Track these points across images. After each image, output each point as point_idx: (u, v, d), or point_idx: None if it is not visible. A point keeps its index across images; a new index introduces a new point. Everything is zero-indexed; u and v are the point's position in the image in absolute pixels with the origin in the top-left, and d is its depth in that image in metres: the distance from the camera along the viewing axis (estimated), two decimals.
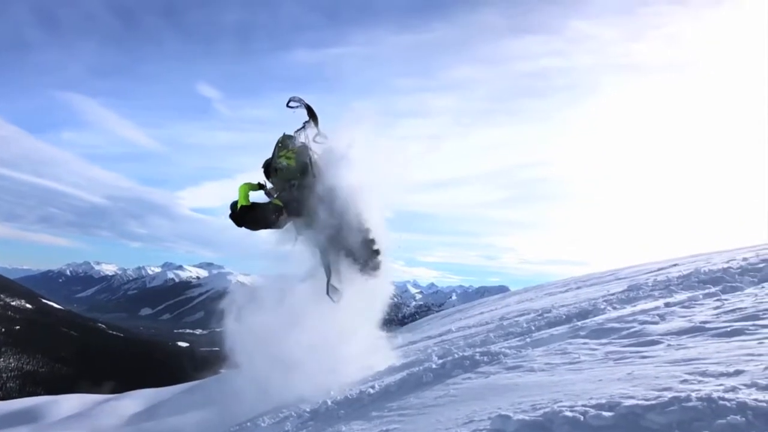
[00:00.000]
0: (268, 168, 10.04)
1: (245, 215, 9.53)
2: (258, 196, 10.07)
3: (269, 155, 10.18)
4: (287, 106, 10.31)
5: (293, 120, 10.50)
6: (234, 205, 9.78)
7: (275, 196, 9.80)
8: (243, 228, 9.87)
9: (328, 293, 9.79)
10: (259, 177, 10.21)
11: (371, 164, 9.71)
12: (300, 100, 10.24)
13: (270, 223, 9.72)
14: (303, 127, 10.32)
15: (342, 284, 10.14)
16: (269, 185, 10.07)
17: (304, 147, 10.04)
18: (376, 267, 10.14)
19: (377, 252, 10.01)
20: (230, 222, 9.87)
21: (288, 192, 9.75)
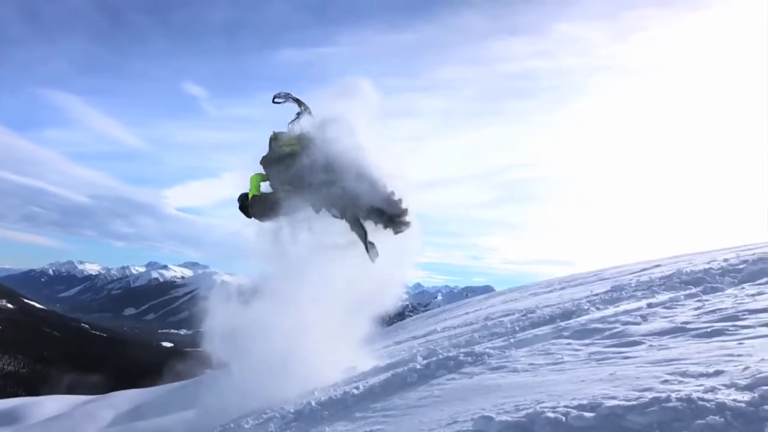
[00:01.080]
0: (266, 165, 10.00)
1: (257, 204, 9.54)
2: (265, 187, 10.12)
3: (257, 153, 10.17)
4: (273, 102, 10.29)
5: (281, 117, 10.48)
6: (244, 196, 9.76)
7: (283, 183, 9.75)
8: (253, 219, 9.86)
9: (368, 253, 9.64)
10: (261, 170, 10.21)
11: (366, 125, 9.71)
12: (287, 95, 10.24)
13: (280, 211, 9.69)
14: (296, 118, 10.30)
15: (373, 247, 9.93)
16: (274, 177, 10.03)
17: (302, 133, 10.04)
18: (402, 218, 9.93)
19: (399, 202, 9.83)
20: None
21: (296, 176, 9.71)
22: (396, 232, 9.67)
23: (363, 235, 9.57)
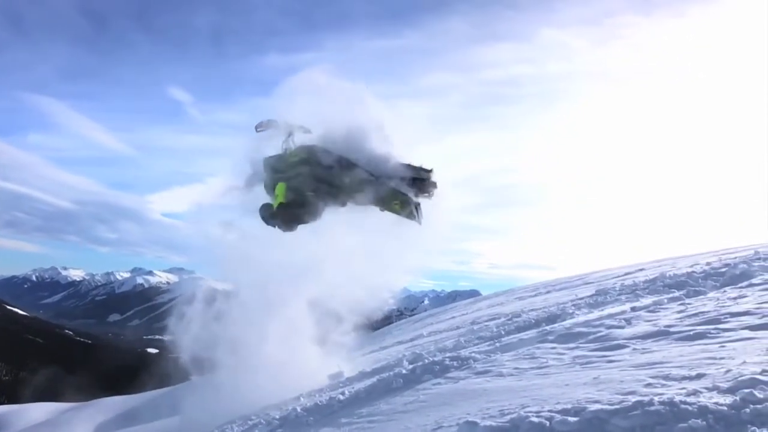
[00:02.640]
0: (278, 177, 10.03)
1: (285, 212, 9.50)
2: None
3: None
4: (256, 131, 10.32)
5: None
6: (267, 206, 9.70)
7: (305, 190, 9.72)
8: (277, 227, 9.80)
9: (415, 218, 9.57)
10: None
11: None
12: (268, 123, 10.22)
13: (309, 216, 9.67)
14: (289, 136, 10.29)
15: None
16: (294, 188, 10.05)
17: (302, 144, 10.05)
18: (429, 178, 9.91)
19: (419, 166, 9.83)
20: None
21: (317, 178, 9.71)
22: (427, 195, 9.70)
23: (405, 201, 9.49)
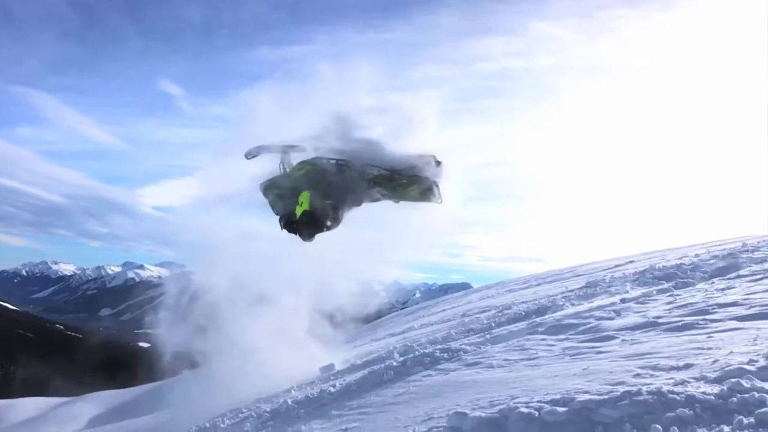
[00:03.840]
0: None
1: (308, 220, 9.51)
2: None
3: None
4: (246, 159, 10.37)
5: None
6: (289, 214, 9.70)
7: (321, 198, 9.75)
8: (300, 236, 9.81)
9: (433, 198, 9.63)
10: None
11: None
12: (258, 149, 10.28)
13: (330, 222, 9.67)
14: (282, 163, 10.36)
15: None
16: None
17: (302, 161, 10.09)
18: (434, 160, 9.99)
19: (423, 152, 9.89)
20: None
21: (329, 184, 9.75)
22: (436, 178, 9.75)
23: (424, 184, 9.53)
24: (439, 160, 9.70)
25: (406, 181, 9.53)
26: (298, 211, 9.36)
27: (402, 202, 9.80)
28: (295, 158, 10.21)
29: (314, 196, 9.53)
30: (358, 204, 9.93)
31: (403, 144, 9.66)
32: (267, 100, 10.26)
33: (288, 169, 10.12)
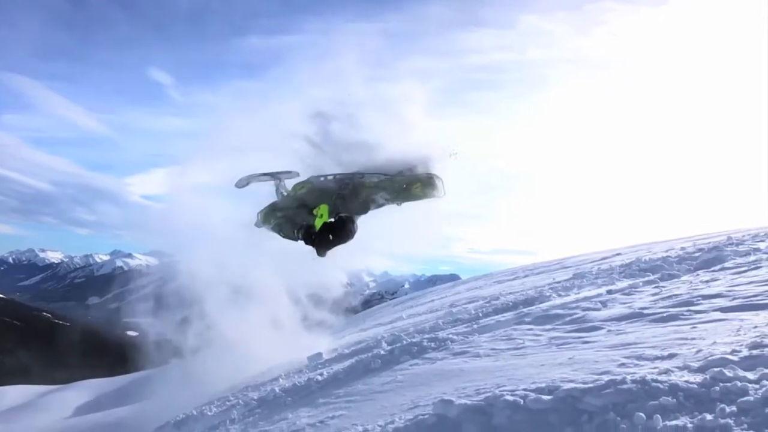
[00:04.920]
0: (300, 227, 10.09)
1: (327, 231, 9.55)
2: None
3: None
4: (237, 188, 10.45)
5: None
6: (309, 227, 9.71)
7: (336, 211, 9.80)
8: (317, 250, 9.84)
9: (441, 191, 9.70)
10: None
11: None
12: (248, 178, 10.35)
13: (349, 233, 9.73)
14: (277, 189, 10.42)
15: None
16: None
17: (298, 182, 10.15)
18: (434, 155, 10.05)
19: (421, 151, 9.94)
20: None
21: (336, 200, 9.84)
22: (436, 175, 9.81)
23: (427, 179, 9.57)
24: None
25: (407, 181, 9.58)
26: (318, 223, 9.40)
27: (405, 204, 9.85)
28: (290, 183, 10.29)
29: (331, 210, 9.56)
30: (365, 212, 9.99)
31: (397, 142, 9.68)
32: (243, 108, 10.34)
33: (285, 194, 10.21)
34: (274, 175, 10.17)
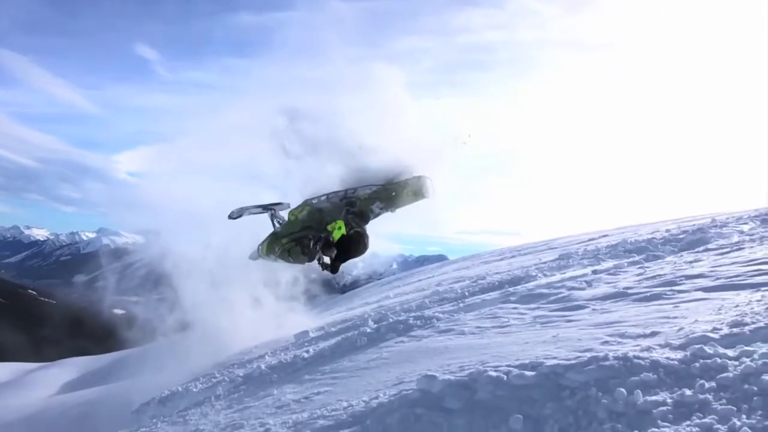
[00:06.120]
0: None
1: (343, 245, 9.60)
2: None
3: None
4: (230, 219, 10.51)
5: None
6: (327, 239, 9.72)
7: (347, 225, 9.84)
8: (330, 266, 9.89)
9: (427, 192, 9.82)
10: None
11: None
12: (240, 210, 10.45)
13: (365, 247, 9.79)
14: (273, 222, 10.49)
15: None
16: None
17: (293, 209, 10.23)
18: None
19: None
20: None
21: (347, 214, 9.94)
22: (424, 175, 9.90)
23: (416, 183, 9.62)
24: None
25: (398, 187, 9.70)
26: (336, 235, 9.44)
27: (398, 210, 10.02)
28: (284, 212, 10.45)
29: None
30: (366, 223, 10.11)
31: (382, 148, 9.78)
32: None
33: (281, 224, 10.36)
34: (266, 207, 10.39)
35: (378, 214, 10.08)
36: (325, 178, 9.60)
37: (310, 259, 9.82)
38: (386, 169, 9.66)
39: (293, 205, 10.27)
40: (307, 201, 10.13)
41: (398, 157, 9.66)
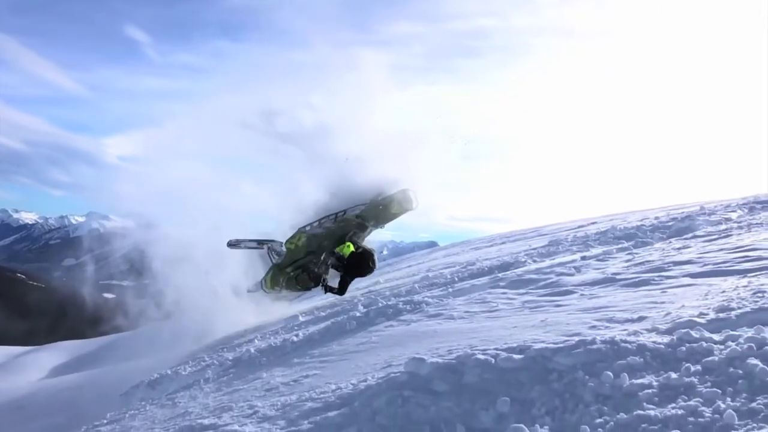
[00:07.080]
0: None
1: (354, 261, 9.69)
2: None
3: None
4: (228, 247, 11.07)
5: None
6: (340, 257, 9.75)
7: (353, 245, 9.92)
8: (338, 288, 10.00)
9: (416, 203, 10.41)
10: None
11: None
12: (237, 242, 10.71)
13: (372, 266, 10.04)
14: (269, 255, 10.64)
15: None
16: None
17: (290, 239, 10.35)
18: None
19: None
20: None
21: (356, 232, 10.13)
22: (408, 189, 10.35)
23: (402, 196, 10.22)
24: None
25: (384, 202, 9.96)
26: (347, 251, 9.54)
27: (387, 225, 10.38)
28: (278, 245, 10.63)
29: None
30: (362, 241, 10.35)
31: (367, 157, 10.00)
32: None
33: (277, 257, 10.54)
34: (261, 243, 10.59)
35: (370, 232, 10.34)
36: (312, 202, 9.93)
37: (316, 284, 10.04)
38: (372, 184, 9.87)
39: (285, 237, 10.58)
40: (302, 229, 10.41)
41: (383, 169, 9.91)
